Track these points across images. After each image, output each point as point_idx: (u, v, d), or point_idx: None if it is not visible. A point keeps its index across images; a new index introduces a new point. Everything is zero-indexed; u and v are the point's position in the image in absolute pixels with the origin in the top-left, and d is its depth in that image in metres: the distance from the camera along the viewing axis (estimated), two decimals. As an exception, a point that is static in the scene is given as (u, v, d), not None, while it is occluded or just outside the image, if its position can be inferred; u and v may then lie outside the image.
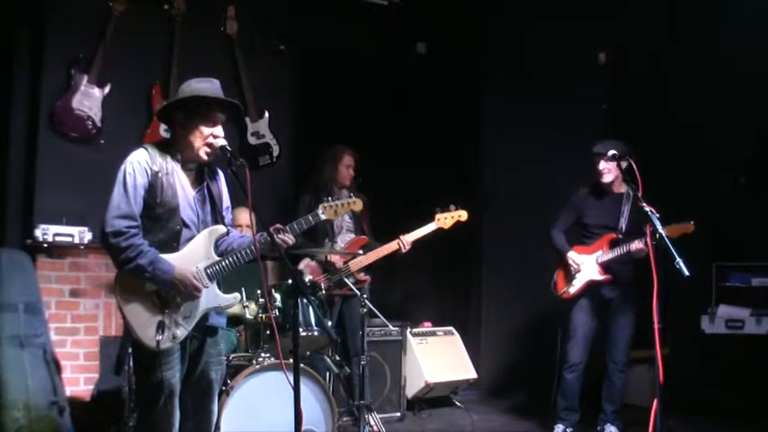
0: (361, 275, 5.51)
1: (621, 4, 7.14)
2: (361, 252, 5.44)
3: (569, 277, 5.45)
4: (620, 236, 5.30)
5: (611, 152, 4.96)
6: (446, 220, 5.45)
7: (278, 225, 3.62)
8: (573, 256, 5.42)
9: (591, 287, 5.38)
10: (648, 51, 6.99)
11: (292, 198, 6.06)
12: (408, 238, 5.44)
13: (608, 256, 5.29)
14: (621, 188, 5.37)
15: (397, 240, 5.44)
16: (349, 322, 5.59)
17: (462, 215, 5.48)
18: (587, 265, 5.38)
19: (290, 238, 3.58)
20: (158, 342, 3.33)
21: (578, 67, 7.24)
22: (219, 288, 3.56)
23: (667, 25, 6.81)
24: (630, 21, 7.15)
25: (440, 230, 5.48)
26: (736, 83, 6.36)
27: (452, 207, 5.47)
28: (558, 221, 5.59)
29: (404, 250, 5.44)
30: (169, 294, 3.39)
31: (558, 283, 5.54)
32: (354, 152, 5.73)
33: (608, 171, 5.31)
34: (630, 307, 5.37)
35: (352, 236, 5.67)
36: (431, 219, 5.46)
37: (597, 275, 5.34)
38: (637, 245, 5.03)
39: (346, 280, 5.23)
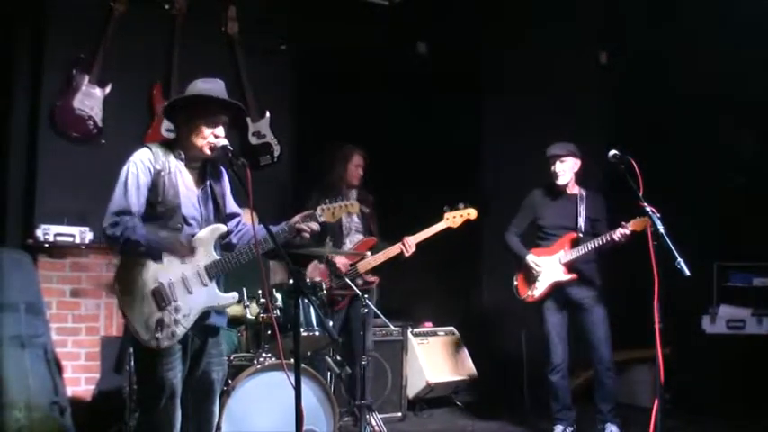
0: (370, 276, 5.48)
1: (622, 4, 7.15)
2: (369, 253, 5.42)
3: (531, 280, 5.45)
4: (580, 235, 5.35)
5: (613, 152, 4.95)
6: (455, 219, 5.35)
7: (306, 212, 3.66)
8: (533, 258, 5.43)
9: (556, 288, 5.39)
10: (648, 51, 6.99)
11: (294, 199, 6.05)
12: (413, 240, 5.36)
13: (572, 255, 5.32)
14: (574, 189, 5.46)
15: (398, 244, 5.38)
16: (356, 322, 5.51)
17: (472, 213, 5.39)
18: (550, 267, 5.38)
19: (315, 226, 3.62)
20: (158, 340, 3.34)
21: (579, 67, 7.24)
22: (219, 287, 3.55)
23: (668, 25, 6.81)
24: (630, 21, 7.16)
25: (449, 230, 5.37)
26: (736, 83, 6.37)
27: (461, 205, 5.37)
28: (511, 225, 5.61)
29: (407, 254, 5.37)
30: (167, 292, 3.38)
31: (520, 287, 5.54)
32: (364, 152, 5.68)
33: (563, 173, 5.39)
34: (600, 303, 5.38)
35: (361, 237, 5.63)
36: (438, 218, 5.36)
37: (562, 276, 5.35)
38: (621, 231, 5.05)
39: (349, 282, 5.18)
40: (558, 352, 5.41)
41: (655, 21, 6.94)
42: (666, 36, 6.81)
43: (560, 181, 5.41)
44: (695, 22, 6.63)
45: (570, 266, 5.35)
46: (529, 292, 5.47)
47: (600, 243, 5.19)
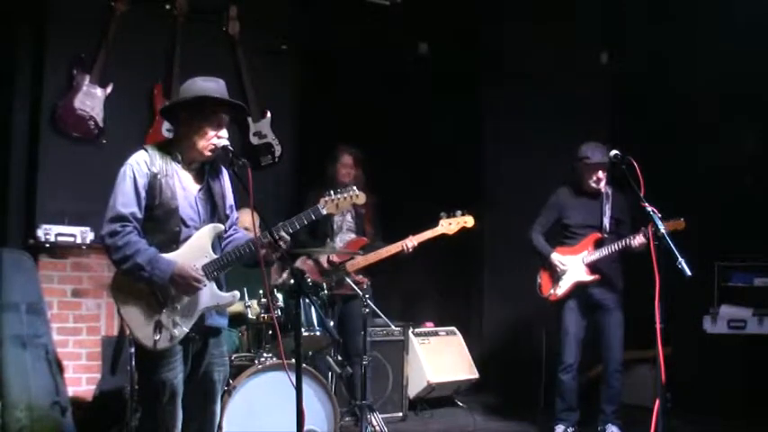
0: (359, 277, 5.46)
1: (622, 4, 7.15)
2: (360, 252, 5.42)
3: (555, 279, 5.44)
4: (605, 235, 5.33)
5: (614, 152, 4.95)
6: (451, 225, 5.29)
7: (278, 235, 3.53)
8: (558, 257, 5.42)
9: (578, 288, 5.38)
10: (649, 51, 6.99)
11: (296, 199, 6.06)
12: (410, 242, 5.32)
13: (594, 255, 5.30)
14: (601, 188, 5.42)
15: (401, 243, 5.34)
16: (349, 322, 5.56)
17: (468, 221, 5.32)
18: (573, 266, 5.37)
19: (281, 235, 3.47)
20: (156, 342, 3.33)
21: (579, 67, 7.23)
22: (219, 286, 3.54)
23: (668, 25, 6.81)
24: (631, 20, 7.16)
25: (445, 236, 5.33)
26: (737, 83, 6.36)
27: (458, 213, 5.30)
28: (536, 223, 5.58)
29: (407, 251, 5.33)
30: (166, 293, 3.37)
31: (543, 285, 5.53)
32: (355, 151, 5.66)
33: (604, 178, 5.34)
34: (620, 307, 5.38)
35: (353, 236, 5.64)
36: (434, 222, 5.32)
37: (585, 276, 5.34)
38: (640, 239, 5.04)
39: (348, 280, 5.19)
40: (571, 352, 5.41)
41: (655, 20, 6.94)
42: (666, 36, 6.81)
43: (599, 185, 5.36)
44: (695, 21, 6.63)
45: (593, 267, 5.33)
46: (552, 291, 5.46)
47: (620, 247, 5.17)
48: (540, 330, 6.49)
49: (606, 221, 5.36)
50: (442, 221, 5.31)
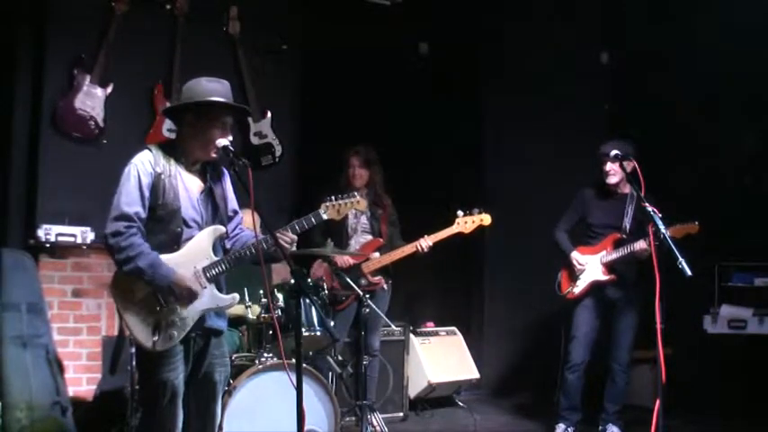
0: (377, 278, 5.42)
1: (622, 4, 7.15)
2: (377, 254, 5.38)
3: (573, 277, 5.44)
4: (624, 236, 5.30)
5: (614, 152, 4.96)
6: (467, 224, 5.19)
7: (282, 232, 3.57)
8: (577, 256, 5.41)
9: (595, 287, 5.38)
10: (649, 51, 7.00)
11: (296, 199, 6.06)
12: (424, 243, 5.23)
13: (612, 256, 5.29)
14: (626, 188, 5.37)
15: (415, 243, 5.27)
16: (367, 322, 5.44)
17: (485, 219, 5.19)
18: (591, 266, 5.37)
19: (289, 236, 3.52)
20: (154, 343, 3.34)
21: (579, 67, 7.24)
22: (219, 288, 3.54)
23: (668, 25, 6.81)
24: (630, 20, 7.16)
25: (460, 235, 5.22)
26: (737, 82, 6.36)
27: (476, 211, 5.18)
28: (561, 221, 5.58)
29: (422, 251, 5.24)
30: (165, 297, 3.39)
31: (563, 283, 5.53)
32: (363, 150, 5.51)
33: (614, 172, 5.29)
34: (635, 308, 5.36)
35: (369, 237, 5.57)
36: (444, 220, 5.22)
37: (601, 276, 5.34)
38: (640, 245, 5.04)
39: (349, 281, 5.15)
40: (579, 351, 5.41)
41: (655, 20, 6.94)
42: (666, 36, 6.81)
43: (610, 180, 5.32)
44: (695, 21, 6.63)
45: (610, 267, 5.32)
46: (570, 289, 5.45)
47: (629, 251, 5.16)
48: (540, 330, 6.49)
49: (627, 222, 5.33)
50: (458, 220, 5.20)
